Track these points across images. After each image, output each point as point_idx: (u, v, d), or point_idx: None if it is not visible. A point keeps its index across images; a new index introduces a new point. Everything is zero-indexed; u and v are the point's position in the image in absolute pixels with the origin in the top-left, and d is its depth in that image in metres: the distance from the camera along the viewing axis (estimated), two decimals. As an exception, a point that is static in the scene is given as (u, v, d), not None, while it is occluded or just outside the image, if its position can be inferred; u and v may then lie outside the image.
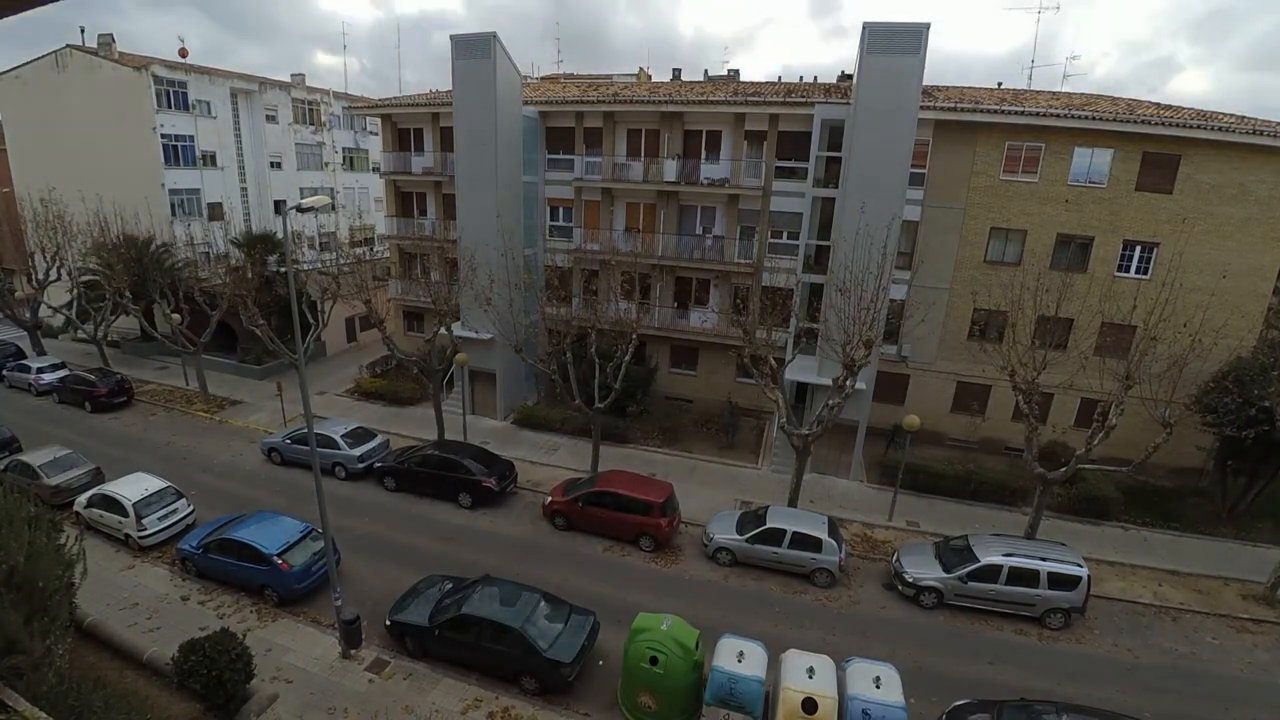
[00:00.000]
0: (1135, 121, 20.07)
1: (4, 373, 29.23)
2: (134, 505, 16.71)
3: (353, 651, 13.35)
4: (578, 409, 20.90)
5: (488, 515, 19.25)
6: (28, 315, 31.02)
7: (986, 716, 11.32)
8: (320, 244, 37.70)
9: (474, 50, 22.63)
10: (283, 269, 29.95)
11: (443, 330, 22.92)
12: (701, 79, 32.39)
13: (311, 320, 26.56)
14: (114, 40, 34.05)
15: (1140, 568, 17.59)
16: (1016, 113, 20.91)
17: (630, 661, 11.79)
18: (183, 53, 36.38)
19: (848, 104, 20.74)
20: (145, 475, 18.09)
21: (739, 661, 11.47)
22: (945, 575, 15.43)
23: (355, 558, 16.61)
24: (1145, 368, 15.63)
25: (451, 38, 22.92)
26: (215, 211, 35.88)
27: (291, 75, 41.75)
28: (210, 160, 35.92)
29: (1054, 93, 25.81)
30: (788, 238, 24.10)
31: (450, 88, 24.15)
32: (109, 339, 31.40)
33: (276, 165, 39.32)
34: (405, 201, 29.87)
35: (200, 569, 15.67)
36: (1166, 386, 15.48)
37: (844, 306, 17.17)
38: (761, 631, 13.67)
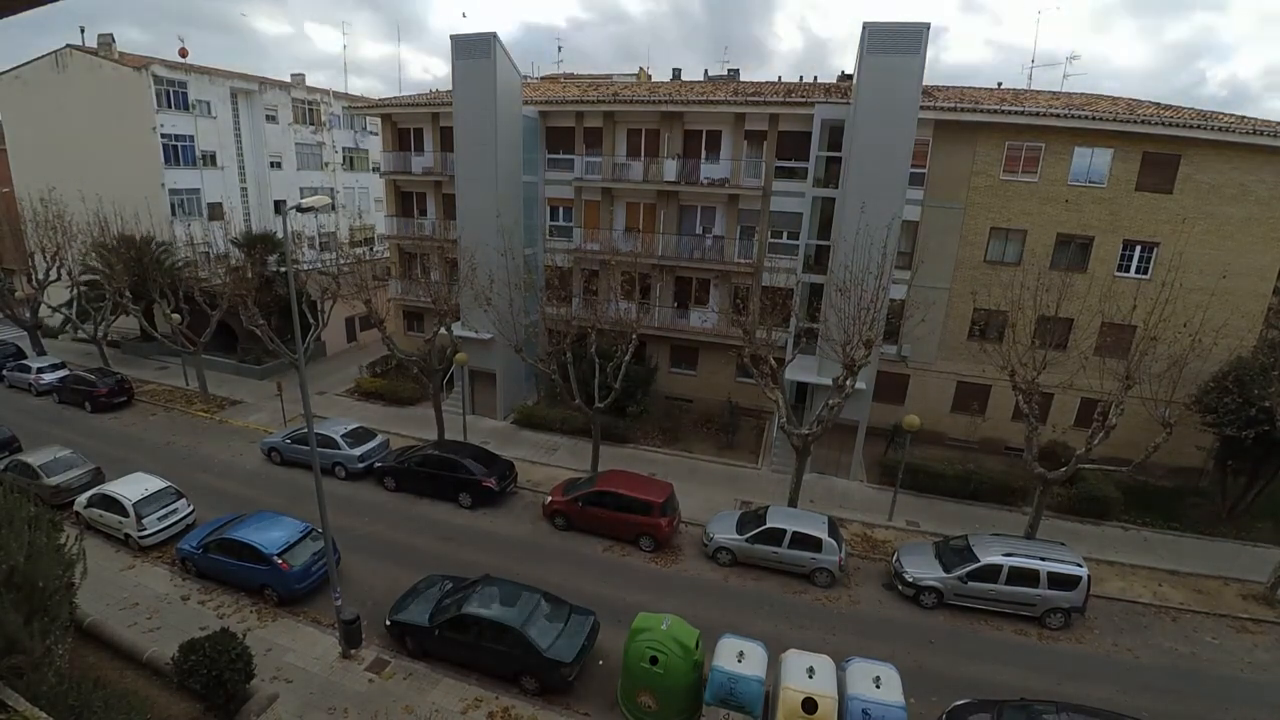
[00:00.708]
0: (1135, 121, 20.07)
1: (4, 373, 29.22)
2: (134, 505, 16.71)
3: (353, 651, 13.35)
4: (578, 409, 20.90)
5: (488, 515, 19.25)
6: (28, 315, 31.02)
7: (986, 716, 11.32)
8: (320, 244, 37.73)
9: (474, 50, 22.63)
10: (283, 269, 29.96)
11: (443, 330, 22.92)
12: (701, 79, 32.39)
13: (311, 320, 26.56)
14: (114, 40, 34.05)
15: (1140, 568, 17.59)
16: (1016, 112, 20.91)
17: (630, 661, 11.79)
18: (183, 53, 36.37)
19: (848, 104, 20.74)
20: (145, 475, 18.09)
21: (739, 661, 11.47)
22: (945, 575, 15.43)
23: (355, 558, 16.61)
24: (1145, 368, 15.63)
25: (452, 38, 22.93)
26: (215, 211, 35.88)
27: (291, 75, 41.78)
28: (210, 160, 35.92)
29: (1054, 93, 25.81)
30: (788, 238, 24.10)
31: (450, 87, 24.16)
32: (109, 339, 31.41)
33: (276, 165, 39.33)
34: (405, 201, 29.87)
35: (200, 569, 15.67)
36: (1166, 386, 15.48)
37: (844, 306, 17.17)
38: (761, 631, 13.68)
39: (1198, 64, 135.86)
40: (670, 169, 24.89)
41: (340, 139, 43.45)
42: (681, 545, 17.89)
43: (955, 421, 24.21)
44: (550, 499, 18.83)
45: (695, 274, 26.04)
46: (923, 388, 24.26)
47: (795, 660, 11.60)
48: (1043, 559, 15.11)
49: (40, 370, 28.17)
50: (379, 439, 22.01)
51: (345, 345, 35.60)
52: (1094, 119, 20.35)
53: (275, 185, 39.09)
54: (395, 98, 31.17)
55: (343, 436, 21.21)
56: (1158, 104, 23.12)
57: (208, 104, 35.40)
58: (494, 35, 22.42)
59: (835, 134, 21.48)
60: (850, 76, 26.25)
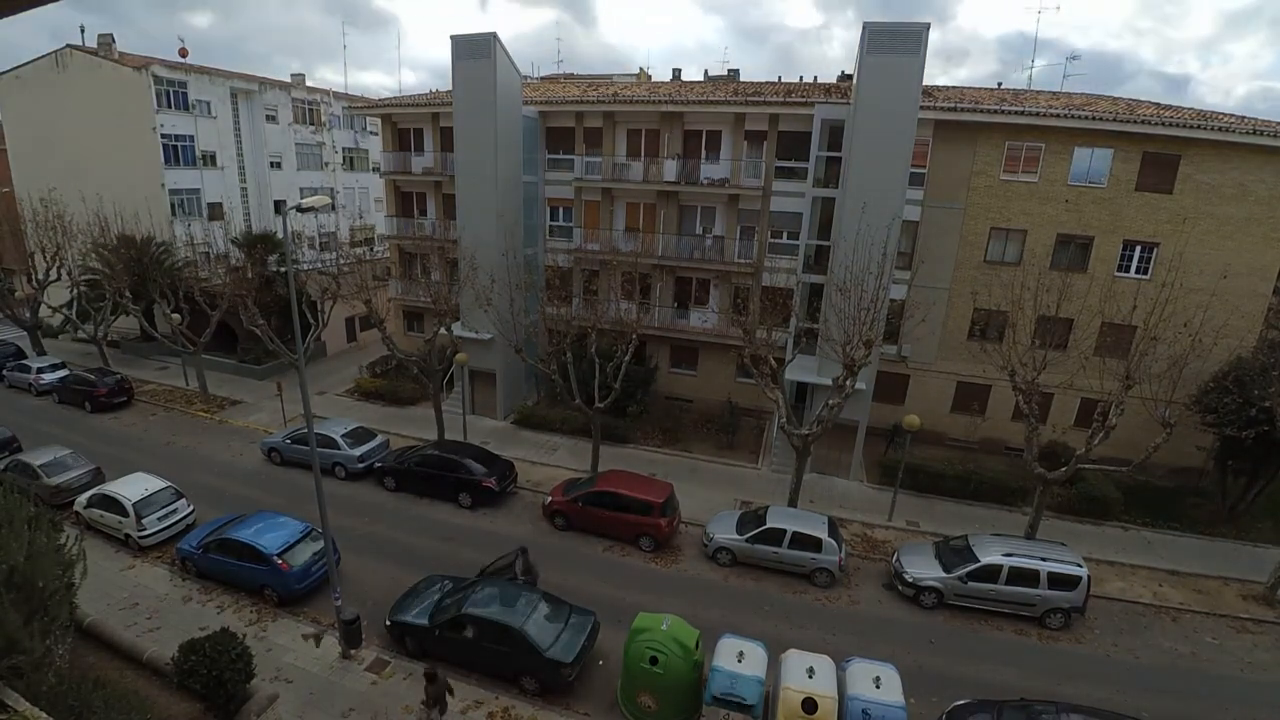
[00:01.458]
0: (1135, 121, 20.07)
1: (4, 373, 29.23)
2: (134, 505, 16.71)
3: (353, 651, 13.35)
4: (578, 409, 20.90)
5: (488, 515, 19.25)
6: (28, 315, 31.02)
7: (986, 716, 11.32)
8: (320, 244, 37.72)
9: (474, 50, 22.62)
10: (283, 269, 29.95)
11: (443, 330, 22.92)
12: (701, 79, 32.40)
13: (311, 320, 26.58)
14: (114, 40, 34.06)
15: (1140, 568, 17.59)
16: (1016, 113, 20.91)
17: (630, 661, 11.79)
18: (183, 53, 36.37)
19: (848, 104, 20.74)
20: (145, 475, 18.08)
21: (739, 661, 11.47)
22: (945, 575, 15.43)
23: (355, 558, 16.61)
24: (1145, 368, 15.63)
25: (451, 38, 22.92)
26: (215, 211, 35.89)
27: (291, 75, 41.78)
28: (210, 160, 35.92)
29: (1054, 93, 25.81)
30: (788, 238, 24.10)
31: (450, 88, 24.16)
32: (109, 339, 31.40)
33: (276, 165, 39.32)
34: (405, 201, 29.87)
35: (200, 569, 15.67)
36: (1166, 386, 15.47)
37: (844, 306, 17.17)
38: (761, 631, 13.67)
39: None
40: (670, 169, 24.88)
41: (340, 139, 43.46)
42: (681, 545, 17.88)
43: (955, 421, 24.20)
44: (550, 499, 18.82)
45: (695, 274, 26.04)
46: (923, 388, 24.26)
47: (795, 660, 11.60)
48: (1043, 559, 15.10)
49: (40, 370, 28.17)
50: (379, 439, 22.01)
51: (345, 345, 35.60)
52: (1094, 119, 20.35)
53: (275, 185, 39.09)
54: (395, 98, 31.18)
55: (343, 436, 21.21)
56: (1157, 104, 23.13)
57: (208, 104, 35.40)
58: (494, 35, 22.41)
59: (835, 134, 21.47)
60: (850, 76, 26.25)
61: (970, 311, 22.89)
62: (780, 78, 36.95)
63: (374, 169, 44.17)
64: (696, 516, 18.75)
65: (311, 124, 41.25)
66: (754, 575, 16.63)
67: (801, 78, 35.18)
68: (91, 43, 34.37)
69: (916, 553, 16.51)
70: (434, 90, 31.76)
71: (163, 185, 33.49)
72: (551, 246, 27.64)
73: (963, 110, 21.21)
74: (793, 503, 18.75)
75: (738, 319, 20.75)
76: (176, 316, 26.83)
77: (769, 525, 16.57)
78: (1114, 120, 20.26)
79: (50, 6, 3.41)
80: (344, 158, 44.02)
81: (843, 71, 28.64)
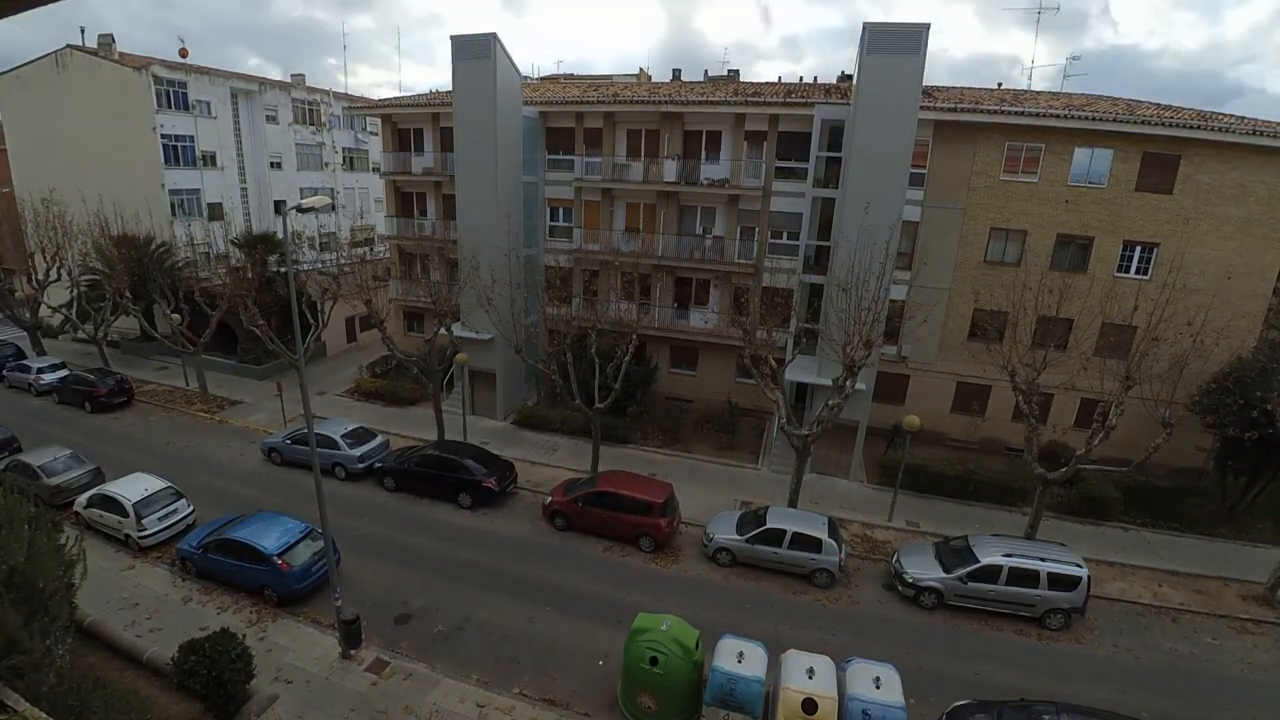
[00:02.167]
0: (1135, 122, 20.07)
1: (4, 373, 29.22)
2: (134, 505, 16.70)
3: (353, 651, 13.34)
4: (578, 409, 20.90)
5: (488, 515, 19.25)
6: (28, 315, 31.02)
7: (986, 716, 11.31)
8: (320, 244, 37.71)
9: (474, 51, 22.63)
10: (283, 269, 29.95)
11: (443, 330, 22.92)
12: (701, 79, 32.40)
13: (311, 320, 26.58)
14: (114, 40, 34.06)
15: (1140, 568, 17.58)
16: (1016, 113, 20.91)
17: (630, 662, 11.79)
18: (183, 53, 36.38)
19: (848, 104, 20.75)
20: (145, 475, 18.08)
21: (739, 662, 11.46)
22: (945, 575, 15.43)
23: (355, 558, 16.60)
24: (1146, 368, 15.63)
25: (452, 38, 22.94)
26: (215, 211, 35.87)
27: (291, 75, 41.77)
28: (210, 160, 35.91)
29: (1054, 93, 25.83)
30: (788, 238, 24.10)
31: (450, 88, 24.16)
32: (109, 339, 31.40)
33: (276, 165, 39.31)
34: (405, 201, 29.87)
35: (200, 569, 15.66)
36: (1167, 387, 15.48)
37: (844, 307, 17.17)
38: (761, 631, 13.67)
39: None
40: (670, 169, 24.88)
41: (340, 139, 43.44)
42: (681, 545, 17.88)
43: (955, 421, 24.20)
44: (550, 499, 18.82)
45: (695, 274, 26.04)
46: (923, 388, 24.26)
47: (795, 660, 11.60)
48: (1043, 559, 15.10)
49: (40, 370, 28.17)
50: (379, 439, 22.01)
51: (345, 345, 35.59)
52: (1094, 119, 20.35)
53: (275, 185, 39.07)
54: (395, 98, 31.18)
55: (343, 437, 21.20)
56: (1157, 104, 23.13)
57: (208, 104, 35.39)
58: (494, 36, 22.42)
59: (835, 134, 21.47)
60: (850, 77, 26.26)
61: (970, 312, 22.89)
62: (780, 78, 36.96)
63: (374, 169, 44.16)
64: (696, 516, 18.75)
65: (311, 124, 41.25)
66: (754, 575, 16.63)
67: (802, 78, 35.18)
68: (92, 43, 34.37)
69: (916, 553, 16.51)
70: (434, 90, 31.76)
71: (163, 185, 33.48)
72: (551, 247, 27.64)
73: (963, 110, 21.21)
74: (793, 503, 18.74)
75: (738, 319, 20.77)
76: (176, 316, 26.83)
77: (769, 525, 16.56)
78: (1114, 120, 20.26)
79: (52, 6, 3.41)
80: (344, 158, 44.01)
81: (843, 72, 28.66)
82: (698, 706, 11.62)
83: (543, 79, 36.56)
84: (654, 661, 11.48)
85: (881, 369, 22.21)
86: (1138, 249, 21.44)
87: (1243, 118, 21.12)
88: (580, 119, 26.02)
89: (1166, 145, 20.27)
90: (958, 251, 22.64)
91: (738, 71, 33.69)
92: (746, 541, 16.66)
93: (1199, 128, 19.78)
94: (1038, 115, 20.79)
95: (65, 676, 9.09)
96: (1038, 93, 25.92)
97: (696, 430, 25.25)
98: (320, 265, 30.81)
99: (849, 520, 19.22)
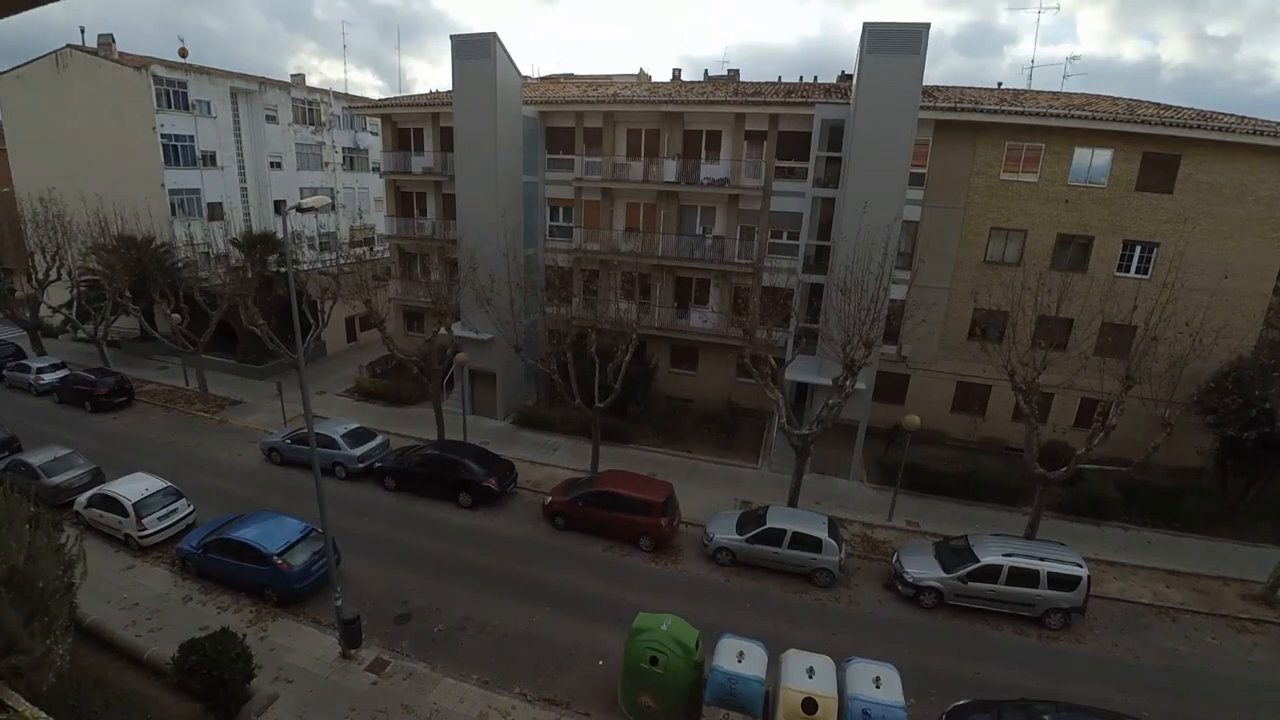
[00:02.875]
0: (1135, 121, 20.07)
1: (4, 373, 29.20)
2: (134, 505, 16.70)
3: (353, 651, 13.35)
4: (578, 409, 20.89)
5: (488, 515, 19.25)
6: (28, 315, 31.02)
7: (986, 716, 11.32)
8: (320, 244, 37.71)
9: (474, 51, 22.62)
10: (283, 269, 29.94)
11: (443, 330, 22.91)
12: (701, 79, 32.39)
13: (311, 320, 26.55)
14: (114, 40, 34.05)
15: (1140, 568, 17.58)
16: (1016, 113, 20.92)
17: (630, 661, 11.79)
18: (183, 52, 36.38)
19: (848, 104, 20.75)
20: (145, 475, 18.08)
21: (739, 661, 11.46)
22: (945, 575, 15.43)
23: (355, 558, 16.59)
24: (1145, 368, 15.62)
25: (452, 38, 22.95)
26: (215, 211, 35.86)
27: (291, 75, 41.77)
28: (210, 160, 35.91)
29: (1054, 93, 25.81)
30: (788, 238, 24.09)
31: (450, 88, 24.15)
32: (109, 339, 31.40)
33: (276, 165, 39.31)
34: (405, 201, 29.87)
35: (200, 569, 15.66)
36: (1167, 387, 15.47)
37: (844, 306, 17.16)
38: (761, 631, 13.65)
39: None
40: (670, 169, 24.88)
41: (340, 139, 43.44)
42: (681, 545, 17.88)
43: (955, 421, 24.19)
44: (550, 499, 18.82)
45: (695, 274, 26.04)
46: (923, 388, 24.25)
47: (795, 660, 11.60)
48: (1043, 559, 15.10)
49: (40, 370, 28.16)
50: (379, 439, 22.00)
51: (345, 345, 35.59)
52: (1094, 119, 20.35)
53: (275, 185, 39.07)
54: (395, 98, 31.20)
55: (343, 436, 21.20)
56: (1158, 104, 23.13)
57: (208, 104, 35.39)
58: (494, 35, 22.41)
59: (835, 134, 21.46)
60: (850, 76, 26.24)
61: (970, 311, 22.89)
62: (780, 78, 36.94)
63: (374, 169, 44.15)
64: (696, 516, 18.75)
65: (311, 124, 41.25)
66: (754, 575, 16.63)
67: (801, 78, 35.14)
68: (92, 43, 34.36)
69: (916, 553, 16.50)
70: (434, 90, 31.76)
71: (163, 185, 33.48)
72: (551, 246, 27.63)
73: (963, 110, 21.21)
74: (793, 503, 18.74)
75: (738, 319, 20.75)
76: (176, 316, 26.81)
77: (769, 525, 16.56)
78: (1114, 120, 20.26)
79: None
80: (344, 158, 44.00)
81: (843, 71, 28.63)
82: (698, 706, 11.62)
83: (542, 79, 36.54)
84: (654, 661, 11.48)
85: (881, 368, 22.21)
86: (1138, 248, 21.44)
87: (1243, 117, 21.12)
88: (580, 119, 26.01)
89: (1167, 145, 20.26)
90: (958, 251, 22.64)
91: (738, 71, 33.69)
92: (746, 541, 16.66)
93: (1199, 127, 19.78)
94: (1038, 115, 20.79)
95: (65, 676, 9.09)
96: (1038, 92, 25.92)
97: (696, 430, 25.24)
98: (320, 265, 30.79)
99: (849, 520, 19.22)
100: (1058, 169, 21.33)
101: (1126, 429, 16.94)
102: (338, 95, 43.38)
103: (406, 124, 29.02)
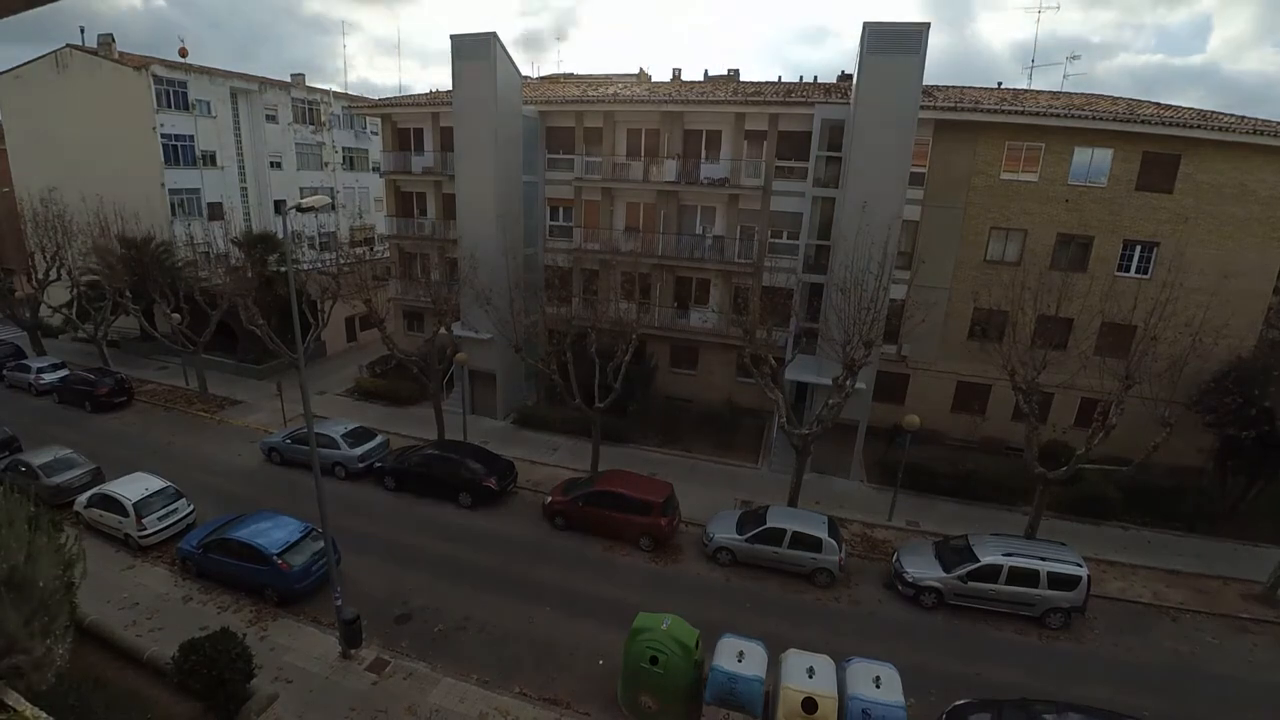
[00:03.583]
0: (1135, 121, 20.07)
1: (4, 373, 29.20)
2: (134, 505, 16.70)
3: (353, 651, 13.35)
4: (578, 409, 20.89)
5: (488, 515, 19.25)
6: (28, 315, 31.00)
7: (986, 716, 11.32)
8: (320, 244, 37.70)
9: (474, 51, 22.61)
10: (283, 269, 29.93)
11: (443, 330, 22.91)
12: (701, 79, 32.38)
13: (311, 320, 26.57)
14: (114, 40, 34.04)
15: (1140, 568, 17.58)
16: (1016, 112, 20.91)
17: (630, 661, 11.79)
18: (183, 52, 36.38)
19: (848, 104, 20.75)
20: (145, 475, 18.08)
21: (739, 661, 11.47)
22: (945, 575, 15.43)
23: (355, 558, 16.58)
24: (1145, 367, 15.62)
25: (451, 38, 22.91)
26: (215, 211, 35.84)
27: (291, 75, 41.76)
28: (210, 160, 35.90)
29: (1054, 92, 25.80)
30: (788, 238, 24.09)
31: (450, 87, 24.14)
32: (109, 339, 31.40)
33: (276, 165, 39.30)
34: (405, 201, 29.86)
35: (200, 569, 15.66)
36: (1166, 386, 15.47)
37: (844, 306, 17.16)
38: (761, 631, 13.64)
39: None
40: (670, 169, 24.88)
41: (340, 139, 43.43)
42: (681, 545, 17.88)
43: (955, 421, 24.19)
44: (550, 499, 18.82)
45: (695, 274, 26.03)
46: (923, 388, 24.25)
47: (795, 660, 11.60)
48: (1043, 559, 15.10)
49: (40, 370, 28.15)
50: (379, 439, 22.00)
51: (345, 345, 35.58)
52: (1094, 119, 20.34)
53: (275, 185, 39.05)
54: (395, 98, 31.19)
55: (343, 436, 21.20)
56: (1158, 104, 23.13)
57: (208, 104, 35.38)
58: (494, 35, 22.40)
59: (835, 134, 21.45)
60: (850, 76, 26.24)
61: (970, 311, 22.88)
62: (780, 78, 36.96)
63: (374, 169, 44.14)
64: (696, 516, 18.74)
65: (311, 124, 41.24)
66: (754, 575, 16.63)
67: (801, 78, 35.19)
68: (91, 43, 34.36)
69: (916, 552, 16.51)
70: (434, 90, 31.75)
71: (163, 185, 33.46)
72: (551, 246, 27.63)
73: (963, 110, 21.20)
74: (793, 502, 18.74)
75: (738, 319, 20.74)
76: (176, 316, 26.81)
77: (769, 525, 16.57)
78: (1114, 120, 20.26)
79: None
80: (344, 157, 43.99)
81: (842, 71, 28.64)
82: (698, 706, 11.63)
83: (542, 78, 36.54)
84: (654, 661, 11.49)
85: (881, 368, 22.21)
86: (1138, 248, 21.43)
87: (1243, 117, 21.12)
88: (580, 118, 26.00)
89: (1167, 144, 20.26)
90: (958, 251, 22.64)
91: (738, 71, 33.71)
92: (746, 541, 16.66)
93: (1199, 127, 19.78)
94: (1038, 115, 20.78)
95: (65, 676, 9.08)
96: (1037, 92, 25.91)
97: (696, 430, 25.23)
98: (320, 265, 30.78)
99: (849, 520, 19.22)
100: (1058, 169, 21.32)
101: (1126, 429, 16.94)
102: (338, 95, 43.38)
103: (406, 124, 29.01)
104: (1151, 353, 15.67)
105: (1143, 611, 15.94)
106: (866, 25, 18.56)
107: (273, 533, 15.36)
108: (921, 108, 19.40)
